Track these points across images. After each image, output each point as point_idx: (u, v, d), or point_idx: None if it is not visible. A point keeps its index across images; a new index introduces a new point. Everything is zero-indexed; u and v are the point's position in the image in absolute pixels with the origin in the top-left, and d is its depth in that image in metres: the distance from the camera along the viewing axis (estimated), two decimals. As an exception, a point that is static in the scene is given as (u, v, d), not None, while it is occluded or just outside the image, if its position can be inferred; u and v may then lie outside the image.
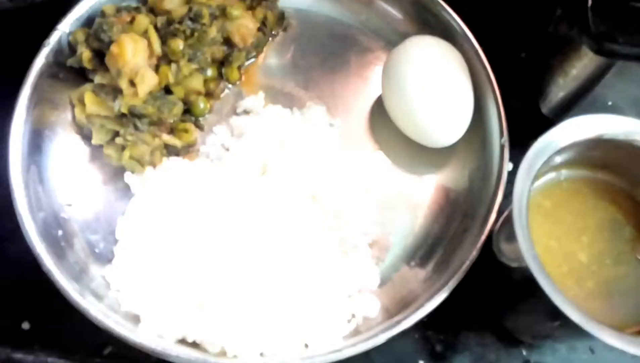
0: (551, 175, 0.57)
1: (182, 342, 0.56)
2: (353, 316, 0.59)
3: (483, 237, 0.60)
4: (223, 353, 0.55)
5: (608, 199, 0.56)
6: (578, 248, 0.54)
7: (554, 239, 0.55)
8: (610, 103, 0.63)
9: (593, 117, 0.53)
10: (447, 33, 0.69)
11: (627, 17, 0.53)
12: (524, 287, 0.53)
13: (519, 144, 0.56)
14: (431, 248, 0.65)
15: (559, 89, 0.65)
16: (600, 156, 0.55)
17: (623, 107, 0.63)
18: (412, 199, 0.67)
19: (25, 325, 0.61)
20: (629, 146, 0.53)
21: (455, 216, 0.66)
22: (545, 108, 0.69)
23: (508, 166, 0.63)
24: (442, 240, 0.65)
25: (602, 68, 0.58)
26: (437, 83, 0.63)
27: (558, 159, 0.55)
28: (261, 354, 0.55)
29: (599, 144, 0.54)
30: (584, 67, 0.59)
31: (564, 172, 0.57)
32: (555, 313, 0.47)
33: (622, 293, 0.53)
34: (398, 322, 0.56)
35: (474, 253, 0.59)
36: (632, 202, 0.57)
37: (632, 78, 0.60)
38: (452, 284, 0.58)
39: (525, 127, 0.61)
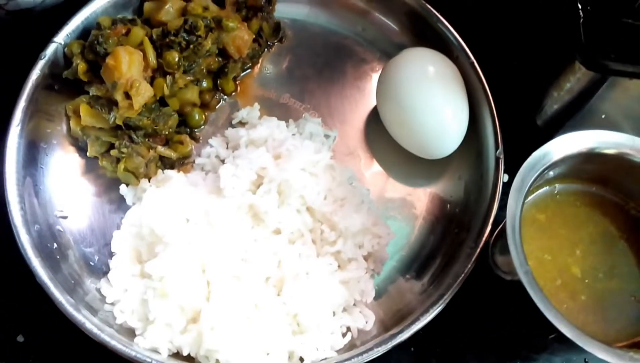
0: (545, 189, 0.58)
1: (177, 355, 0.56)
2: (348, 329, 0.60)
3: (478, 249, 0.60)
4: (217, 367, 0.55)
5: (601, 213, 0.57)
6: (572, 261, 0.55)
7: (548, 252, 0.55)
8: (603, 116, 0.63)
9: (585, 133, 0.54)
10: (443, 45, 0.69)
11: (619, 33, 0.53)
12: (519, 300, 0.53)
13: (515, 156, 0.56)
14: (427, 260, 0.65)
15: (554, 102, 0.65)
16: (593, 170, 0.56)
17: (616, 120, 0.63)
18: (407, 211, 0.67)
19: (20, 338, 0.61)
20: (620, 160, 0.54)
21: (451, 228, 0.66)
22: (541, 121, 0.69)
23: (504, 177, 0.63)
24: (437, 252, 0.65)
25: (596, 82, 0.58)
26: (432, 95, 0.63)
27: (552, 173, 0.55)
28: (255, 368, 0.55)
29: (592, 158, 0.54)
30: (578, 81, 0.59)
31: (558, 186, 0.58)
32: (550, 327, 0.48)
33: (615, 307, 0.53)
34: (394, 336, 0.56)
35: (470, 265, 0.59)
36: (625, 215, 0.57)
37: (625, 92, 0.60)
38: (448, 297, 0.58)
39: (521, 139, 0.61)
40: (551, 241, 0.55)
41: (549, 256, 0.55)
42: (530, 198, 0.56)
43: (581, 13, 0.54)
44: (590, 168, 0.55)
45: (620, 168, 0.55)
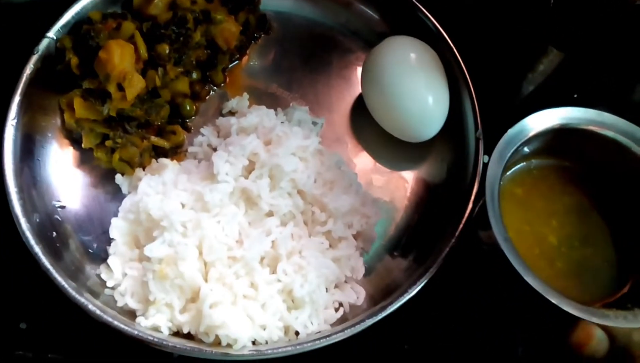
0: (522, 165, 0.61)
1: (177, 334, 0.58)
2: (340, 305, 0.62)
3: (461, 226, 0.63)
4: (217, 343, 0.57)
5: (574, 186, 0.60)
6: (548, 231, 0.58)
7: (526, 223, 0.58)
8: (575, 96, 0.66)
9: (557, 110, 0.57)
10: (423, 33, 0.72)
11: (586, 16, 0.56)
12: (501, 271, 0.56)
13: (493, 137, 0.59)
14: (412, 238, 0.68)
15: (529, 84, 0.68)
16: (565, 145, 0.59)
17: (588, 99, 0.66)
18: (393, 193, 0.70)
19: (23, 325, 0.62)
20: (590, 134, 0.57)
21: (435, 207, 0.69)
22: (517, 103, 0.72)
23: (483, 158, 0.66)
24: (422, 230, 0.68)
25: (566, 63, 0.61)
26: (414, 81, 0.66)
27: (527, 149, 0.59)
28: (253, 342, 0.58)
29: (564, 133, 0.57)
30: (550, 62, 0.62)
31: (534, 161, 0.61)
32: (528, 295, 0.51)
33: (590, 272, 0.57)
34: (383, 308, 0.59)
35: (453, 241, 0.62)
36: (597, 188, 0.60)
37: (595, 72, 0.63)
38: (433, 270, 0.61)
39: (499, 121, 0.64)
40: (529, 213, 0.58)
41: (527, 227, 0.58)
42: (508, 173, 0.60)
43: (551, -2, 0.57)
44: (563, 143, 0.59)
45: (591, 142, 0.58)
